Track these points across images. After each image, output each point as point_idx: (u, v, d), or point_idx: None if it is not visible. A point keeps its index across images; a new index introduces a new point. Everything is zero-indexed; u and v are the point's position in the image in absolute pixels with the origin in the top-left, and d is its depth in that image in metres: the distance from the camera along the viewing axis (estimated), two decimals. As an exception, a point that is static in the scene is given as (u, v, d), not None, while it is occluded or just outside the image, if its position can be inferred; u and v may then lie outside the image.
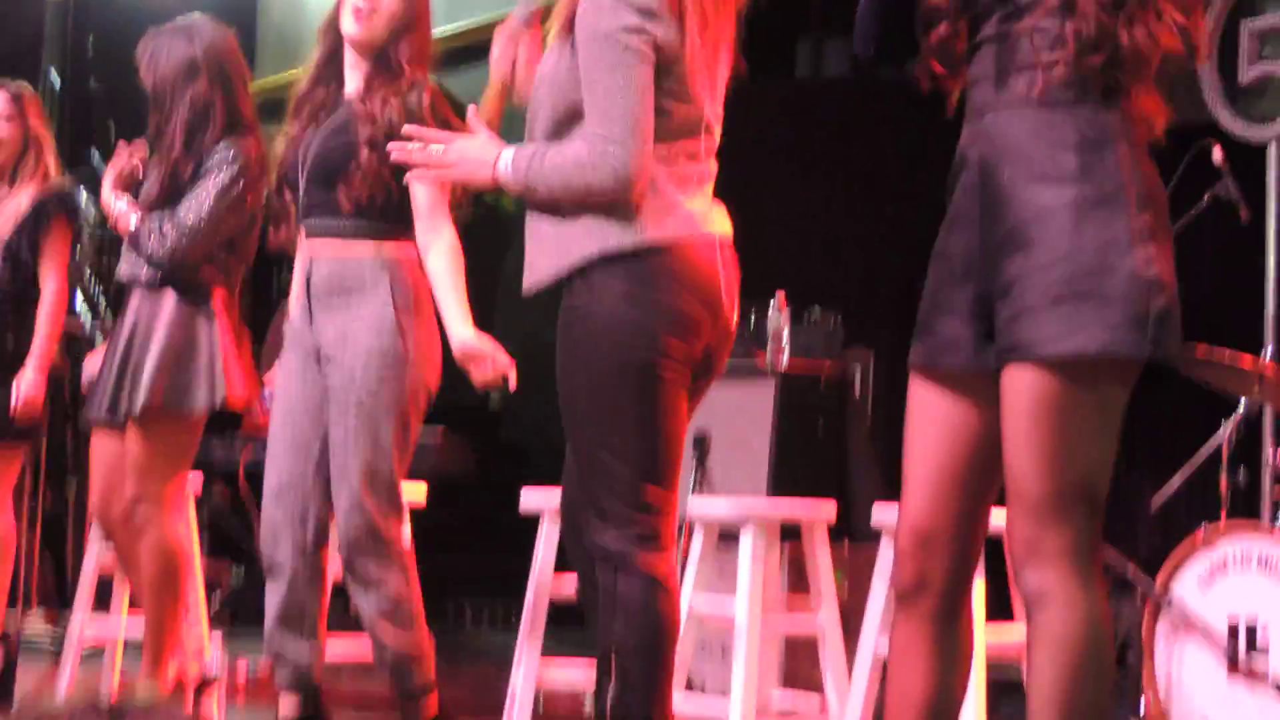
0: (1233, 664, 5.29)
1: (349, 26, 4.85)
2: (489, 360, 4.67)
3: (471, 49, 9.15)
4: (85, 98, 11.99)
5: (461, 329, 4.72)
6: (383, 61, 4.87)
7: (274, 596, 4.85)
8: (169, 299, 5.30)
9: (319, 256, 4.86)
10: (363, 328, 4.77)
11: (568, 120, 3.67)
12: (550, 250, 3.68)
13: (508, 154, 3.64)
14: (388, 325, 4.77)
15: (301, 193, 4.87)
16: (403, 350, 4.78)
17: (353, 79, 4.93)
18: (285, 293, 9.58)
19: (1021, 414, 2.91)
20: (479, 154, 3.68)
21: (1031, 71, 2.96)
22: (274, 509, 4.84)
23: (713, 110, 3.75)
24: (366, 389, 4.73)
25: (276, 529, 4.82)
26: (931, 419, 3.11)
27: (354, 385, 4.74)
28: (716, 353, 3.79)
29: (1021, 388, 2.91)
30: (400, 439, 4.79)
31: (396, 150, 3.75)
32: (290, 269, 9.81)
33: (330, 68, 4.97)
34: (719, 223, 3.77)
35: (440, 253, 4.78)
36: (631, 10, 3.60)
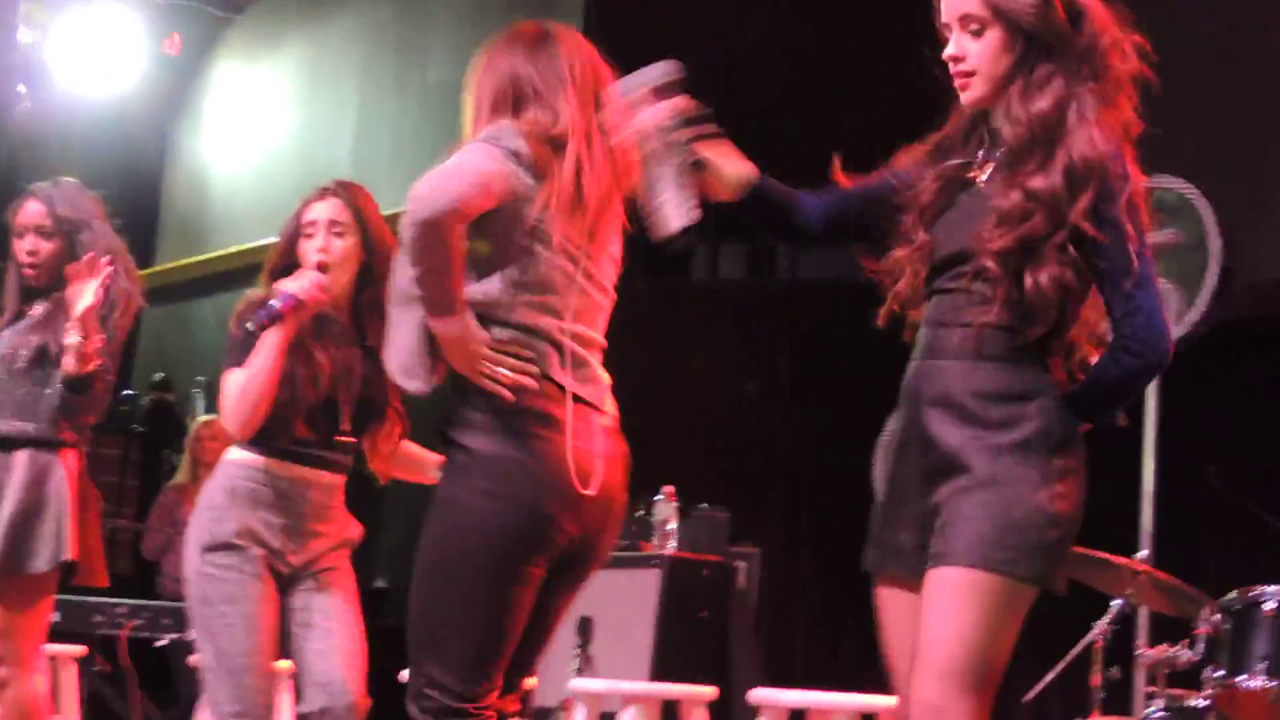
0: None
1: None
2: None
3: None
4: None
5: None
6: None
7: None
8: (21, 458, 5.28)
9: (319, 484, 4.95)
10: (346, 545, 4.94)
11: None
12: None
13: None
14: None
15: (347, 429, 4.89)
16: None
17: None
18: (172, 473, 9.69)
19: (940, 600, 3.28)
20: None
21: (966, 328, 3.36)
22: None
23: (593, 273, 3.90)
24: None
25: None
26: (902, 619, 3.43)
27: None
28: (595, 535, 3.89)
29: (942, 581, 3.29)
30: None
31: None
32: (178, 449, 9.87)
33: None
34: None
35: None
36: (500, 149, 3.77)
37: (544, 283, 3.82)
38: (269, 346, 4.68)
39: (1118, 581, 5.80)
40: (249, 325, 4.67)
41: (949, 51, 3.46)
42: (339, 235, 4.87)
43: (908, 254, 3.52)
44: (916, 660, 3.29)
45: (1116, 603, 5.85)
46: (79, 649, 6.83)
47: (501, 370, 3.75)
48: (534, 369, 3.76)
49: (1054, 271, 3.31)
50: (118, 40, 12.30)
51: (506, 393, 3.73)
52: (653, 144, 3.60)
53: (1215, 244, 6.92)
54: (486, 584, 3.72)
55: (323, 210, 4.89)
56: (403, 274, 3.80)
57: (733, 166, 3.66)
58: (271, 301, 4.66)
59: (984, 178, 3.48)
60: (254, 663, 4.81)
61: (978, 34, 3.43)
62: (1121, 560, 5.75)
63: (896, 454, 3.48)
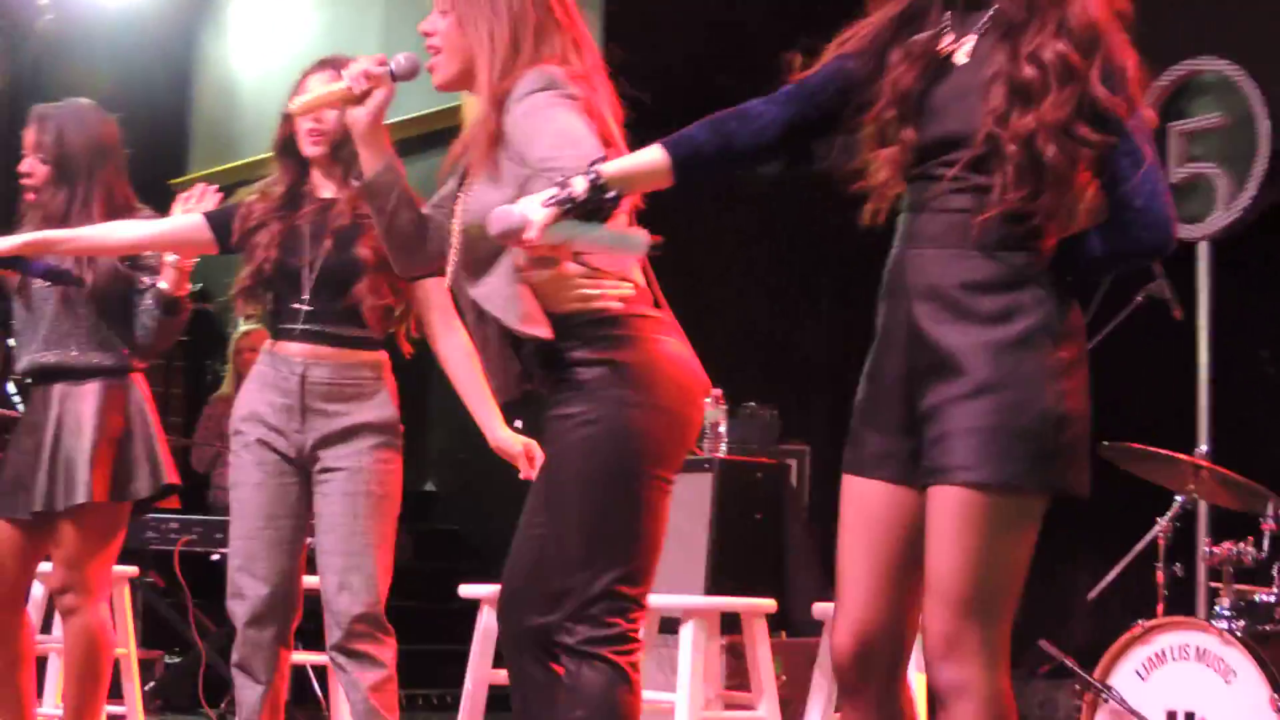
0: (1171, 754, 5.30)
1: (308, 149, 4.90)
2: (524, 458, 4.82)
3: (438, 134, 9.24)
4: (20, 191, 11.92)
5: (499, 430, 4.84)
6: (340, 172, 4.91)
7: (252, 693, 4.84)
8: (93, 388, 5.20)
9: (319, 360, 4.86)
10: (369, 428, 4.83)
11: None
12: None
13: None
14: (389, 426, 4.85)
15: (307, 297, 4.86)
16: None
17: (324, 189, 4.94)
18: (218, 384, 9.59)
19: (945, 525, 3.02)
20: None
21: (952, 214, 3.07)
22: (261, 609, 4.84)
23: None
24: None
25: (263, 632, 4.84)
26: (867, 520, 3.17)
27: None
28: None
29: (943, 504, 3.02)
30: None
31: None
32: (220, 359, 9.79)
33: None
34: None
35: (463, 355, 4.82)
36: (571, 99, 3.60)
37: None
38: None
39: (1179, 478, 5.70)
40: None
41: None
42: None
43: (890, 141, 3.16)
44: (928, 587, 3.05)
45: (1178, 499, 5.74)
46: (131, 570, 6.73)
47: (601, 291, 3.59)
48: (627, 285, 3.63)
49: (1066, 148, 3.01)
50: (138, -53, 12.17)
51: (614, 304, 3.59)
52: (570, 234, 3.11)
53: (1263, 125, 6.73)
54: (642, 495, 3.59)
55: (319, 82, 4.80)
56: None
57: (634, 165, 3.20)
58: None
59: (963, 50, 3.15)
60: (245, 547, 4.84)
61: None
62: (1183, 456, 5.65)
63: (878, 350, 3.19)
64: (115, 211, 5.22)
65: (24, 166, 5.30)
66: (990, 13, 3.12)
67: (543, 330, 3.61)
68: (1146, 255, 3.17)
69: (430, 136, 9.30)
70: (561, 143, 3.49)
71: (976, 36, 3.13)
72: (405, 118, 9.53)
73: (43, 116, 5.33)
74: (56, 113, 5.35)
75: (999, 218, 3.01)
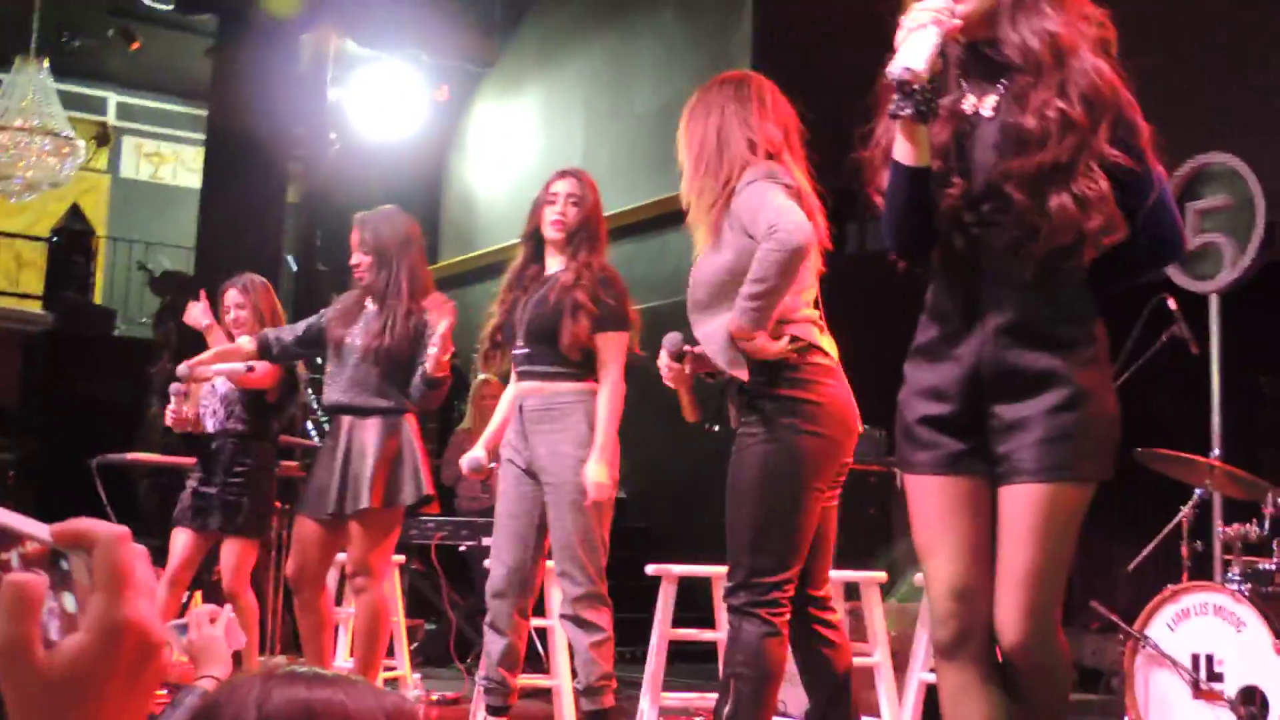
0: (1195, 688, 5.21)
1: (550, 232, 4.94)
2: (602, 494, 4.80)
3: (631, 226, 9.25)
4: (315, 276, 12.21)
5: (594, 467, 4.80)
6: (570, 251, 4.96)
7: (496, 645, 4.91)
8: (375, 422, 5.33)
9: (531, 393, 4.92)
10: (569, 445, 4.85)
11: (720, 292, 3.75)
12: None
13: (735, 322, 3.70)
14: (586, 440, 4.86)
15: (521, 344, 4.93)
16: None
17: (553, 264, 5.00)
18: (461, 420, 9.74)
19: (1035, 518, 2.86)
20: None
21: (1015, 254, 2.87)
22: (502, 585, 4.91)
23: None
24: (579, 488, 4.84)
25: (503, 602, 4.90)
26: (944, 504, 2.98)
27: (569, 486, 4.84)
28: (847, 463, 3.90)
29: (1028, 499, 2.87)
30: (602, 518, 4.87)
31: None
32: (462, 400, 9.93)
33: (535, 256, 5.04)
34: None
35: (603, 397, 4.87)
36: (786, 188, 3.71)
37: (808, 285, 3.84)
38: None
39: (1198, 475, 5.65)
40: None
41: None
42: (575, 205, 4.90)
43: (943, 193, 2.93)
44: (1013, 574, 2.85)
45: (1197, 491, 5.69)
46: (401, 558, 6.88)
47: (781, 346, 3.73)
48: (802, 343, 3.75)
49: (1079, 191, 2.80)
50: (402, 93, 12.42)
51: (795, 356, 3.72)
52: None
53: (1260, 203, 6.65)
54: (801, 498, 3.70)
55: (563, 185, 4.88)
56: (730, 286, 3.75)
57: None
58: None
59: (987, 105, 2.94)
60: (495, 539, 4.93)
61: None
62: (1200, 458, 5.59)
63: (932, 366, 2.97)
64: (418, 285, 5.38)
65: (354, 260, 5.46)
66: (1007, 75, 2.94)
67: (743, 373, 3.72)
68: (1162, 267, 3.13)
69: (658, 219, 9.37)
70: (779, 216, 3.61)
71: (998, 94, 2.95)
72: (641, 204, 9.66)
73: (363, 220, 5.50)
74: (372, 216, 5.51)
75: (1046, 253, 2.85)
